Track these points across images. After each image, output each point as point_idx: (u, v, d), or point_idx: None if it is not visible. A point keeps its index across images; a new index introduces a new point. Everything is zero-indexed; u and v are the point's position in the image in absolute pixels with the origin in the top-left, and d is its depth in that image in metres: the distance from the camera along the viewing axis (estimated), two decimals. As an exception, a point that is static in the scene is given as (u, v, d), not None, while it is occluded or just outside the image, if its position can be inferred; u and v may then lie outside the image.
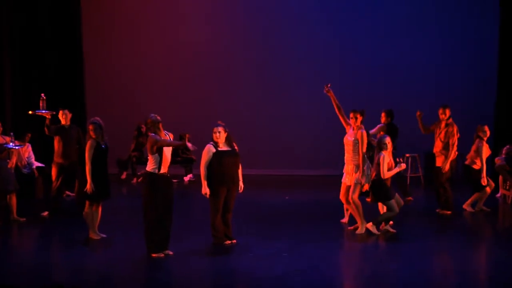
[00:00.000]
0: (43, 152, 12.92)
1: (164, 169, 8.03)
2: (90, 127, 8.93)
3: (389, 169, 9.28)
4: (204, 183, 8.53)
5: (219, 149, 8.62)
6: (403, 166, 9.41)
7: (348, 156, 9.47)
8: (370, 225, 9.38)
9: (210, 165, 8.56)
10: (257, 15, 17.45)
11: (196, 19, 17.60)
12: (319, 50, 17.02)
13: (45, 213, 10.92)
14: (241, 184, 8.78)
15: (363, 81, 16.50)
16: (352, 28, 16.92)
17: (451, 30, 16.43)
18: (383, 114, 11.69)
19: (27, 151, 12.18)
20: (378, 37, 16.67)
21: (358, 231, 9.39)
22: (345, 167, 9.56)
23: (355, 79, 16.45)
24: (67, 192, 12.59)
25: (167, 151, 8.06)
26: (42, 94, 10.60)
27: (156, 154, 7.98)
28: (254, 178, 15.25)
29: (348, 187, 9.48)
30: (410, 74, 16.45)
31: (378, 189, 9.31)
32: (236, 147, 8.77)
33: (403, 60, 16.52)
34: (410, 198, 11.34)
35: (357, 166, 9.33)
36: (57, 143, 10.95)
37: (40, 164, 12.30)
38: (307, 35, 17.16)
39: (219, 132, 8.62)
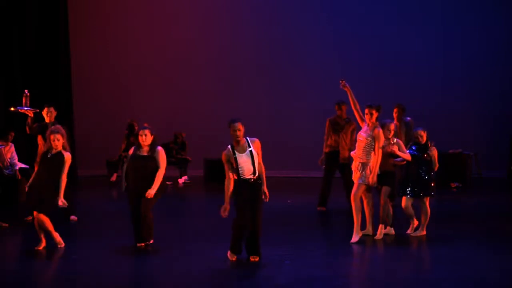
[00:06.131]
0: (28, 152, 12.86)
1: (247, 175, 8.23)
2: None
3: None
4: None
5: None
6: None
7: (357, 152, 9.44)
8: (388, 230, 9.49)
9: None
10: (257, 12, 17.58)
11: (192, 15, 17.67)
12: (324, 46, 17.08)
13: (29, 218, 10.72)
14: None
15: (368, 79, 16.54)
16: (357, 22, 17.09)
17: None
18: (396, 110, 11.76)
19: (10, 151, 12.09)
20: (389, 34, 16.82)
21: (352, 240, 9.22)
22: (353, 163, 9.54)
23: (361, 76, 16.45)
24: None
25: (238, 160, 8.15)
26: (26, 90, 10.52)
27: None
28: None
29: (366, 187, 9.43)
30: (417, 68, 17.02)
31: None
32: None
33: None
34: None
35: (363, 164, 9.28)
36: (40, 143, 10.77)
37: (23, 165, 12.25)
38: (309, 32, 17.27)
39: (145, 135, 8.64)
